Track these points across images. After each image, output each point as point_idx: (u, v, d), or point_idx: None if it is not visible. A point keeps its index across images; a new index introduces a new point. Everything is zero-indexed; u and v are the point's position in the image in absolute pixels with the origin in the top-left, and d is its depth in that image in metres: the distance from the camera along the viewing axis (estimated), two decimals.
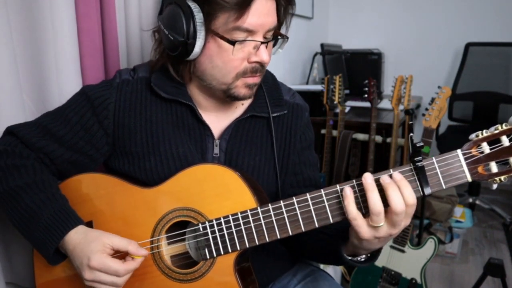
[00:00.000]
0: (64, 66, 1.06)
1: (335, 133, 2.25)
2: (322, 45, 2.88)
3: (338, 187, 0.73)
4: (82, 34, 1.10)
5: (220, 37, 0.79)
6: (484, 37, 3.14)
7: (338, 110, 2.24)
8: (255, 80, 0.85)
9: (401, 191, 0.68)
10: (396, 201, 0.67)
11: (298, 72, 3.01)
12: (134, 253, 0.79)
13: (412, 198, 0.68)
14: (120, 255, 0.80)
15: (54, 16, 1.02)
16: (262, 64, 0.84)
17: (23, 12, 0.98)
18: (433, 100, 1.67)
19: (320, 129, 2.33)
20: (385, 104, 2.62)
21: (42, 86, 1.04)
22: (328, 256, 0.88)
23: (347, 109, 2.47)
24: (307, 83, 2.99)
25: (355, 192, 0.71)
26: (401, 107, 2.10)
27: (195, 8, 0.78)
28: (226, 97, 0.86)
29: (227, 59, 0.81)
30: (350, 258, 0.81)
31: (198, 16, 0.78)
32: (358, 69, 3.10)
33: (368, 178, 0.70)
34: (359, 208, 0.71)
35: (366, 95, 2.11)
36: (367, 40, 3.53)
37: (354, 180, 0.72)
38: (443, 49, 3.39)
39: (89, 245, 0.77)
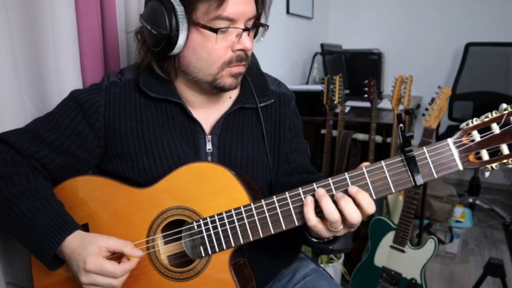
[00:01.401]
0: (64, 66, 1.06)
1: (335, 133, 2.25)
2: (322, 45, 2.89)
3: (330, 180, 0.74)
4: (82, 34, 1.11)
5: (202, 27, 0.80)
6: (484, 37, 3.14)
7: (338, 110, 2.24)
8: (240, 69, 0.86)
9: (359, 202, 0.71)
10: (351, 211, 0.70)
11: (298, 72, 3.01)
12: (129, 254, 0.79)
13: (371, 208, 0.71)
14: (117, 256, 0.80)
15: (54, 16, 1.02)
16: (246, 53, 0.85)
17: (23, 12, 0.98)
18: (433, 100, 1.67)
19: (320, 129, 2.33)
20: (385, 104, 2.61)
21: (42, 86, 1.05)
22: (295, 237, 0.92)
23: (347, 109, 2.47)
24: (307, 83, 2.99)
25: (315, 201, 0.73)
26: (401, 107, 2.10)
27: (175, 1, 0.79)
28: (213, 89, 0.87)
29: (211, 49, 0.81)
30: (316, 240, 0.84)
31: (179, 8, 0.79)
32: (358, 69, 3.10)
33: (320, 191, 0.73)
34: (318, 211, 0.73)
35: (366, 95, 2.11)
36: (367, 40, 3.53)
37: (330, 178, 0.74)
38: (443, 49, 3.39)
39: (85, 248, 0.77)
